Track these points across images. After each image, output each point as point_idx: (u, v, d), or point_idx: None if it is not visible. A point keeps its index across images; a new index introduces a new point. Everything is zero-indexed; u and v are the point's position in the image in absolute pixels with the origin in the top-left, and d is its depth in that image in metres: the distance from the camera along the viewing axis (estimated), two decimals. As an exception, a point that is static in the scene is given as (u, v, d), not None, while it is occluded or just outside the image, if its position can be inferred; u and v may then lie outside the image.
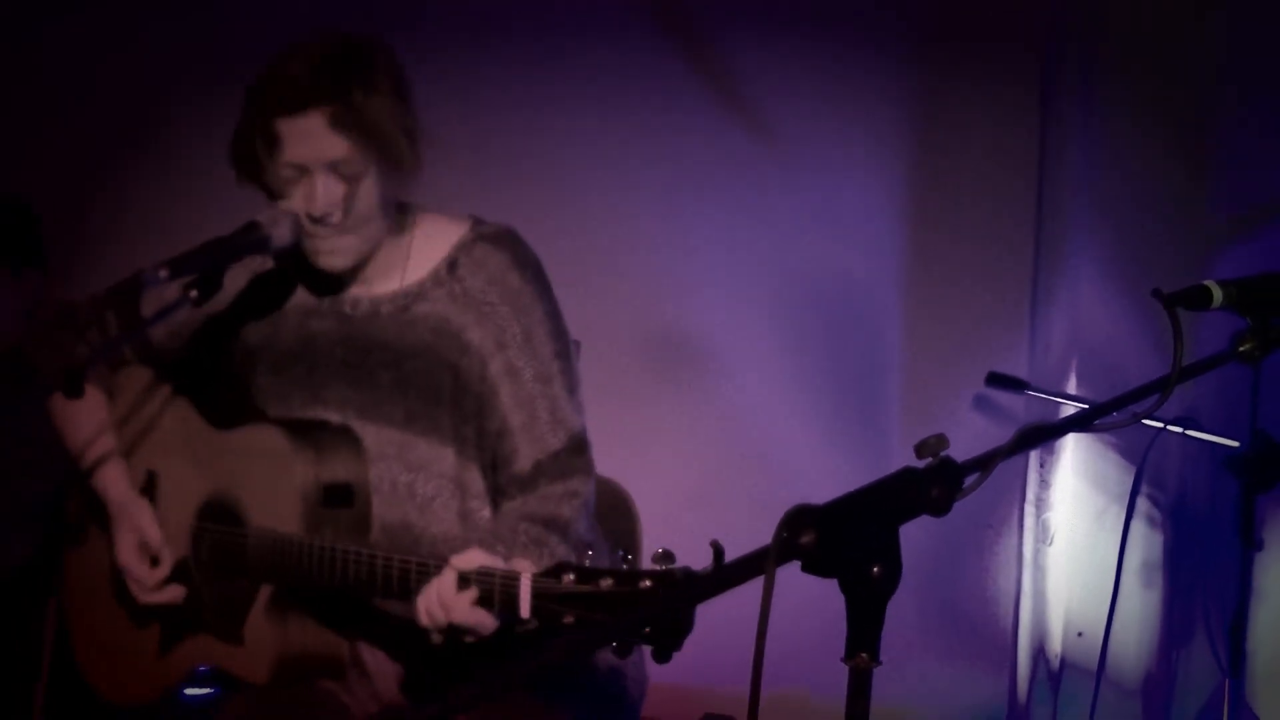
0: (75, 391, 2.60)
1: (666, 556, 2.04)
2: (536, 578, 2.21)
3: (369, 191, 2.52)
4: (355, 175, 2.50)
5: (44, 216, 3.55)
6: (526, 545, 2.46)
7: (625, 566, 2.14)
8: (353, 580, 2.43)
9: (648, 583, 2.11)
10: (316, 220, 2.52)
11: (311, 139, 2.48)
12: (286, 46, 2.52)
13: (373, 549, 2.44)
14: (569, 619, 2.17)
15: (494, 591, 2.27)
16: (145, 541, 2.70)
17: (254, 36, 2.54)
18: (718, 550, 1.94)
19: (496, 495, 2.61)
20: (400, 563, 2.39)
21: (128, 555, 2.71)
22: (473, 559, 2.33)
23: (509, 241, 2.65)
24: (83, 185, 4.45)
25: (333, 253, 2.57)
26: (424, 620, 2.36)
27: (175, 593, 2.70)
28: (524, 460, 2.57)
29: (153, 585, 2.70)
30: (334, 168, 2.49)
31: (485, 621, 2.31)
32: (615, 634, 2.00)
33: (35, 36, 4.46)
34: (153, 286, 2.60)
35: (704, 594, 1.77)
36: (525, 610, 2.21)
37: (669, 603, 1.87)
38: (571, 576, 2.17)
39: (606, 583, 2.14)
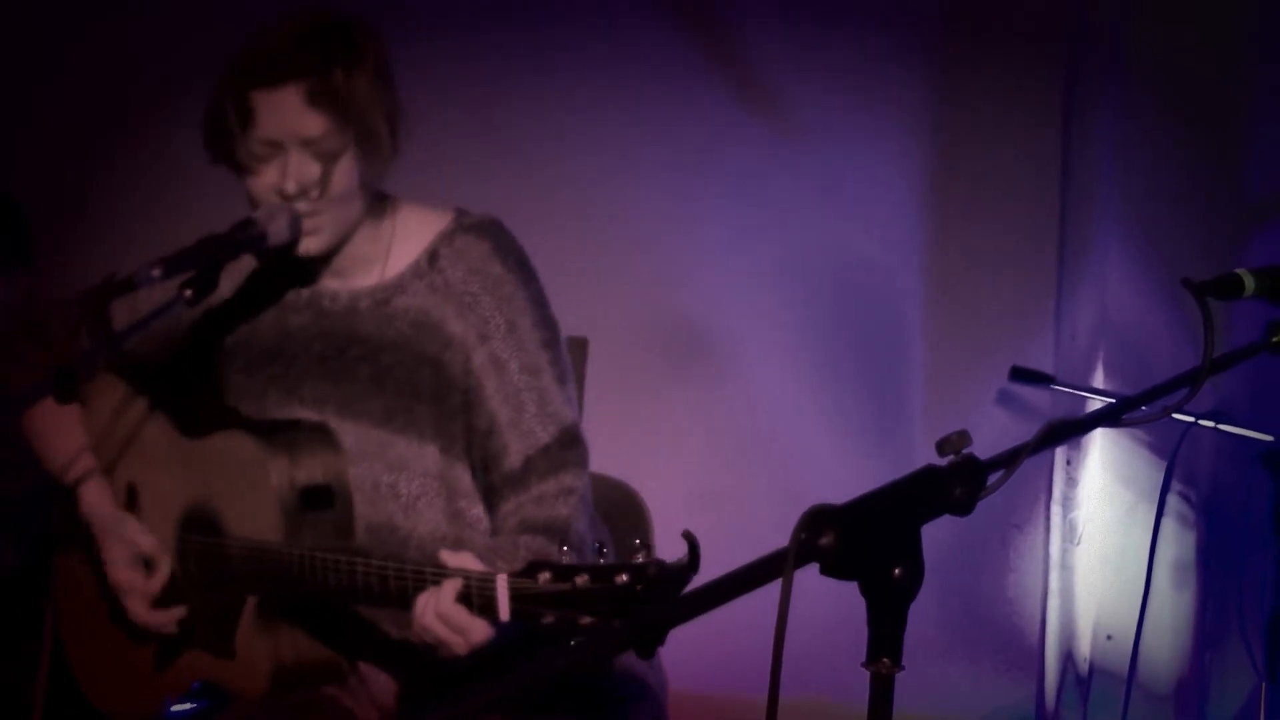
0: (67, 396, 2.53)
1: (642, 547, 2.01)
2: (513, 578, 2.14)
3: (345, 173, 2.45)
4: (331, 154, 2.43)
5: (31, 212, 3.51)
6: (529, 560, 2.38)
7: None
8: (334, 588, 2.35)
9: (624, 577, 2.05)
10: (288, 199, 2.44)
11: (287, 114, 2.41)
12: (273, 20, 2.46)
13: (354, 554, 2.36)
14: (549, 619, 2.10)
15: (470, 594, 2.20)
16: (138, 551, 2.63)
17: (246, 22, 2.50)
18: (691, 542, 1.91)
19: (490, 496, 2.54)
20: (379, 568, 2.30)
21: (122, 570, 2.63)
22: (461, 560, 2.25)
23: (491, 230, 2.57)
24: (71, 180, 4.40)
25: (306, 234, 2.48)
26: (426, 636, 2.26)
27: (177, 613, 2.62)
28: (514, 456, 2.49)
29: (152, 593, 2.62)
30: (309, 145, 2.42)
31: (479, 629, 2.21)
32: (597, 637, 1.97)
33: (20, 24, 4.42)
34: (146, 286, 2.55)
35: (719, 599, 1.70)
36: (504, 613, 2.14)
37: (670, 606, 1.83)
38: (548, 575, 2.11)
39: (582, 579, 2.08)
